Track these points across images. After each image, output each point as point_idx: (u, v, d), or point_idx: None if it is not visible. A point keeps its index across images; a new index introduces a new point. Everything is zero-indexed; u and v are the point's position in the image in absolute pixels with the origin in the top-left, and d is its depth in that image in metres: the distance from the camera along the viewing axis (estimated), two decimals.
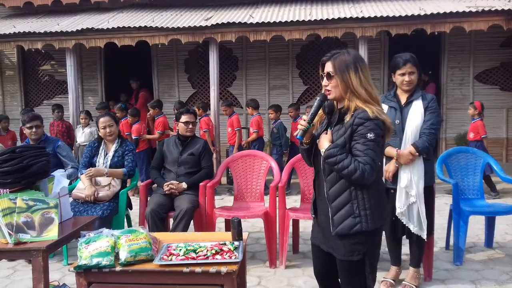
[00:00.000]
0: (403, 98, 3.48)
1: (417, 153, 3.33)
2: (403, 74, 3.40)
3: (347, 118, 2.22)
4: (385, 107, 3.36)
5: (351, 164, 2.15)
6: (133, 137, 7.34)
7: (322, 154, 2.27)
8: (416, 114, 3.39)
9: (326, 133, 2.30)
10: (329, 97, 2.29)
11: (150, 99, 9.22)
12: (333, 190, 2.27)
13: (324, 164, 2.29)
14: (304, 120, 2.28)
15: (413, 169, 3.37)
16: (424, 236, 3.44)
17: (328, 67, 2.27)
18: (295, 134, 2.39)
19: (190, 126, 4.44)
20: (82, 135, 7.62)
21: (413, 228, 3.42)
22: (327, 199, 2.30)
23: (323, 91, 2.32)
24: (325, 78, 2.29)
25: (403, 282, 3.61)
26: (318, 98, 2.31)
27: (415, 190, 3.36)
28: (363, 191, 2.22)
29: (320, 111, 2.35)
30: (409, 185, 3.37)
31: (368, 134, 2.15)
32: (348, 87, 2.21)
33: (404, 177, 3.38)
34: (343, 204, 2.24)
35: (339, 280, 2.41)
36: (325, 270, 2.48)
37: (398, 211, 3.40)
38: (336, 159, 2.18)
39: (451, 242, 4.28)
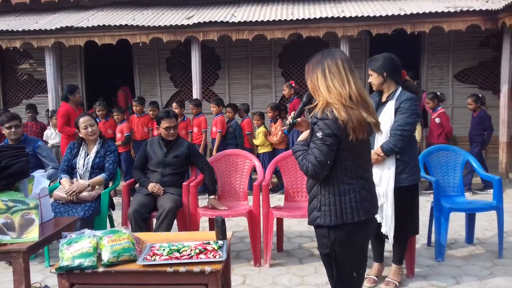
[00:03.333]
0: (383, 97, 3.52)
1: (382, 154, 3.36)
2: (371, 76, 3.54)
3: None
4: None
5: (302, 160, 2.30)
6: (125, 134, 7.20)
7: None
8: (387, 115, 3.40)
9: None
10: None
11: (130, 97, 9.14)
12: (308, 184, 2.43)
13: None
14: (290, 117, 2.45)
15: (383, 169, 3.39)
16: (391, 236, 3.43)
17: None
18: (282, 128, 2.49)
19: (172, 131, 4.35)
20: (56, 136, 7.32)
21: (383, 228, 3.43)
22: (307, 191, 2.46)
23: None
24: None
25: (386, 278, 3.64)
26: (305, 96, 2.47)
27: (384, 189, 3.36)
28: (325, 188, 2.32)
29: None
30: (378, 184, 3.36)
31: (317, 133, 2.24)
32: (314, 88, 2.32)
33: (376, 176, 3.38)
34: (313, 197, 2.39)
35: None
36: None
37: None
38: (296, 154, 2.37)
39: (433, 238, 4.34)
